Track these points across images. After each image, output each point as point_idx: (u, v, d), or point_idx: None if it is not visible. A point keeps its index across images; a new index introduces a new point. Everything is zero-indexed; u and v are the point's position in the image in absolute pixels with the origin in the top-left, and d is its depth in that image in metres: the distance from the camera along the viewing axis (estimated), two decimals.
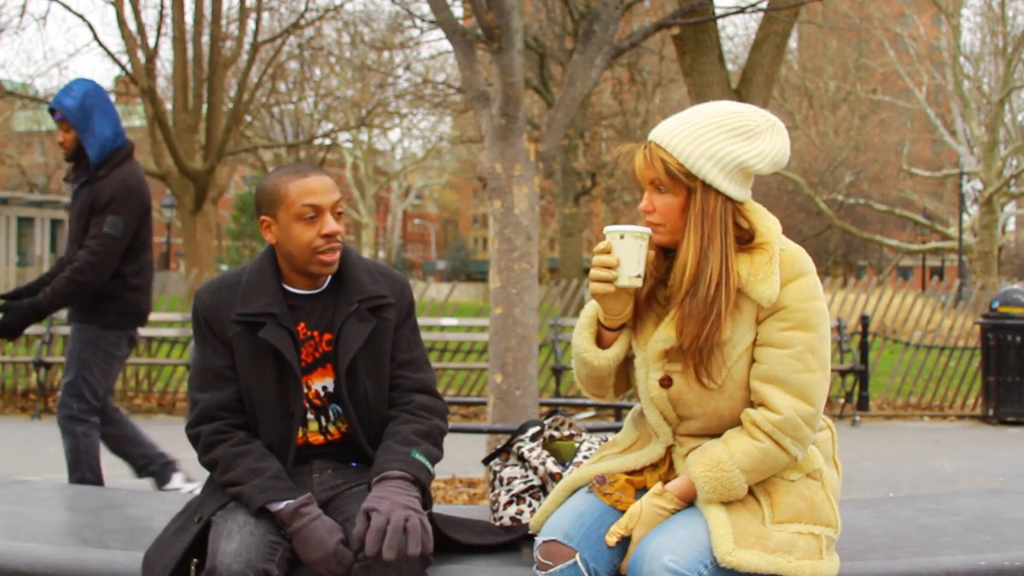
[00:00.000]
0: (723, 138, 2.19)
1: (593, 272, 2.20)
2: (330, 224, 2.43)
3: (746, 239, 2.23)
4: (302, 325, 2.48)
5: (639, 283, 2.20)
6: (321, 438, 2.53)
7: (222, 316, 2.45)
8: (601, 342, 2.34)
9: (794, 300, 2.18)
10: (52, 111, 4.24)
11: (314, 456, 2.52)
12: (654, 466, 2.32)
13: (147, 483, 4.75)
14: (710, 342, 2.17)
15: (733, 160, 2.19)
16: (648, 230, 2.19)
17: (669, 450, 2.31)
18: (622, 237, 2.17)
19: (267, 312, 2.43)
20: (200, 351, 2.49)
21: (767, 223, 2.25)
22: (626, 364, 2.38)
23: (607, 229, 2.20)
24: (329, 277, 2.53)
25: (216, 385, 2.45)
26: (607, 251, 2.19)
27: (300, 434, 2.50)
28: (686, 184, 2.20)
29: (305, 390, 2.48)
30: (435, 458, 2.43)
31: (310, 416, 2.51)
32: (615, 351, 2.31)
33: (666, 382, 2.24)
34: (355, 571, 2.21)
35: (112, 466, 6.71)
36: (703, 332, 2.16)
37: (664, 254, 2.31)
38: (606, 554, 2.18)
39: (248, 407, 2.46)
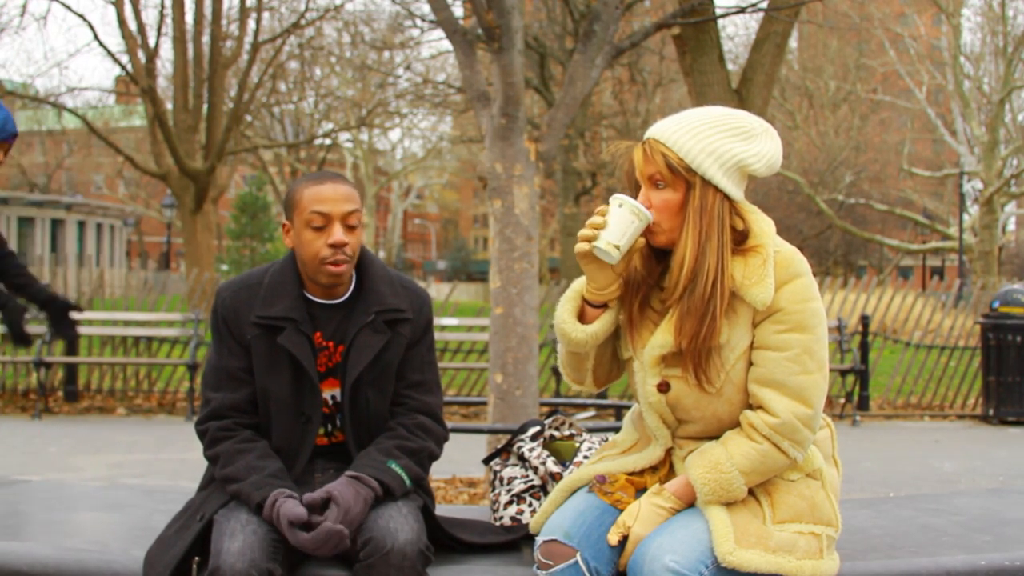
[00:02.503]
0: (722, 136, 2.20)
1: (581, 231, 2.21)
2: (336, 234, 2.39)
3: (741, 240, 2.23)
4: (319, 334, 2.47)
5: (616, 256, 2.17)
6: (325, 440, 2.54)
7: (241, 317, 2.45)
8: (583, 318, 2.33)
9: (789, 302, 2.18)
10: (14, 135, 4.18)
11: (317, 456, 2.53)
12: (654, 468, 2.32)
13: (148, 483, 4.75)
14: (708, 343, 2.16)
15: (732, 158, 2.20)
16: (649, 214, 2.18)
17: (669, 453, 2.31)
18: (620, 205, 2.17)
19: (286, 317, 2.42)
20: (216, 350, 2.49)
21: (762, 224, 2.25)
22: (609, 355, 2.37)
23: (615, 196, 2.20)
24: (351, 289, 2.52)
25: (230, 386, 2.45)
26: (602, 214, 2.20)
27: None
28: (686, 179, 2.20)
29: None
30: (414, 474, 2.42)
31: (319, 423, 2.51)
32: (594, 327, 2.28)
33: (664, 387, 2.23)
34: (356, 570, 2.23)
35: (113, 466, 6.73)
36: (701, 331, 2.16)
37: (658, 259, 2.30)
38: (607, 553, 2.18)
39: (263, 409, 2.46)
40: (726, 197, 2.21)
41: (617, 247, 2.16)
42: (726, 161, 2.20)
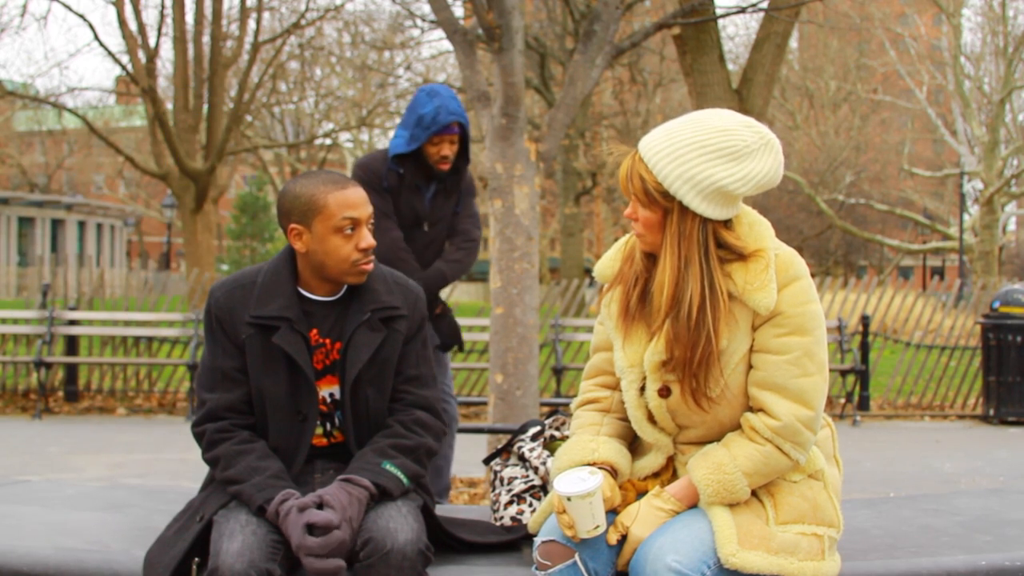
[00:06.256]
0: (705, 160, 2.13)
1: (562, 528, 2.15)
2: (367, 238, 2.44)
3: (737, 252, 2.18)
4: (315, 332, 2.47)
5: (604, 528, 2.14)
6: (324, 440, 2.54)
7: (235, 316, 2.45)
8: None
9: (789, 305, 2.16)
10: (448, 126, 3.97)
11: (317, 457, 2.53)
12: (655, 474, 2.31)
13: (149, 483, 4.75)
14: (705, 364, 2.15)
15: (712, 184, 2.13)
16: (596, 484, 2.10)
17: (671, 459, 2.30)
18: (569, 500, 2.10)
19: (281, 316, 2.42)
20: (210, 350, 2.49)
21: (758, 229, 2.22)
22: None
23: (556, 487, 2.12)
24: (346, 284, 2.53)
25: (224, 386, 2.45)
26: (561, 510, 2.13)
27: None
28: (663, 204, 2.17)
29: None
30: (412, 472, 2.42)
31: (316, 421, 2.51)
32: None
33: (664, 392, 2.22)
34: (356, 571, 2.23)
35: (113, 466, 6.72)
36: (695, 356, 2.14)
37: (654, 259, 2.27)
38: (605, 554, 2.17)
39: (258, 408, 2.46)
40: (709, 219, 2.17)
41: (597, 527, 2.13)
42: (705, 188, 2.13)
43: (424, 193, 4.13)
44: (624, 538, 2.17)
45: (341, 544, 2.19)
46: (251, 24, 19.53)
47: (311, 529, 2.18)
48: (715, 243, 2.18)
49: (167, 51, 34.02)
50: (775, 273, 2.17)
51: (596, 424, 2.34)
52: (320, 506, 2.23)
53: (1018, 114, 29.36)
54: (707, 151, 2.13)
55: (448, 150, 4.02)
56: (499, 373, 5.06)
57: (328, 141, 29.19)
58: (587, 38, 5.37)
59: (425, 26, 18.03)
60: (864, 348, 9.54)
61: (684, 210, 2.16)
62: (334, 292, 2.51)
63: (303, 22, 19.80)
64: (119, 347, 9.88)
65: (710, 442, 2.24)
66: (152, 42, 18.68)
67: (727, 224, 2.21)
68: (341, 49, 23.81)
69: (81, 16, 19.02)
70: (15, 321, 9.89)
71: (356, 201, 2.43)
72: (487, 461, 2.91)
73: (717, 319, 2.14)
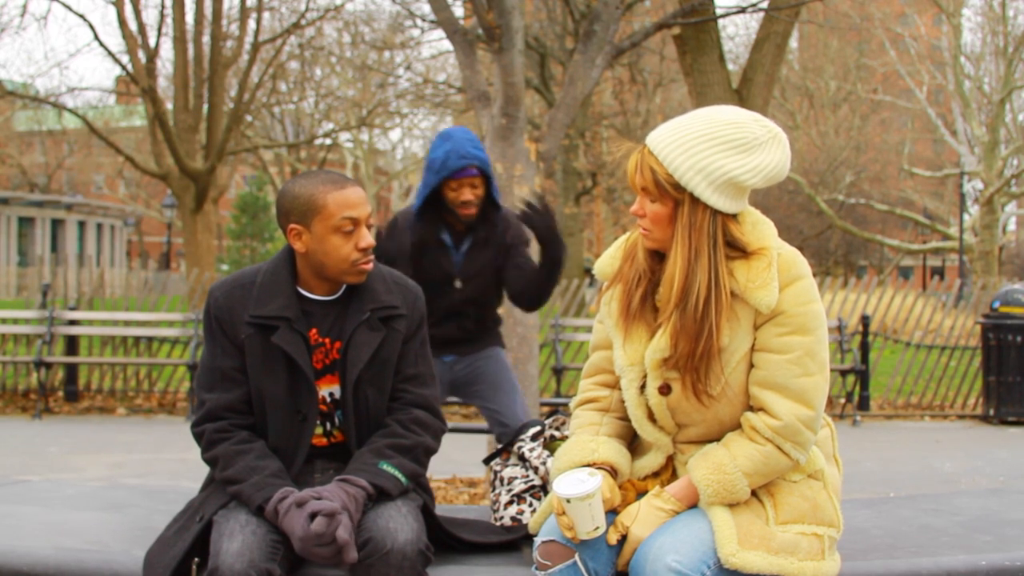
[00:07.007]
0: (715, 151, 2.15)
1: (562, 528, 2.15)
2: (367, 237, 2.44)
3: (741, 248, 2.20)
4: (314, 331, 2.47)
5: (603, 530, 2.14)
6: (324, 440, 2.54)
7: (234, 316, 2.45)
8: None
9: (791, 305, 2.17)
10: (461, 170, 3.64)
11: (316, 457, 2.53)
12: (655, 474, 2.31)
13: (148, 483, 4.74)
14: (706, 358, 2.15)
15: (723, 175, 2.15)
16: (595, 486, 2.09)
17: (670, 458, 2.30)
18: (568, 501, 2.10)
19: (280, 316, 2.42)
20: (210, 350, 2.48)
21: (762, 228, 2.23)
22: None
23: (555, 489, 2.12)
24: (344, 285, 2.53)
25: (223, 386, 2.45)
26: (560, 511, 2.13)
27: None
28: (673, 196, 2.17)
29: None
30: (410, 471, 2.41)
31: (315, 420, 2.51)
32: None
33: (665, 390, 2.22)
34: (356, 570, 2.22)
35: (113, 466, 6.72)
36: (697, 349, 2.14)
37: (659, 258, 2.29)
38: (605, 554, 2.17)
39: (258, 408, 2.46)
40: (719, 211, 2.18)
41: (597, 528, 2.13)
42: (716, 178, 2.14)
43: (452, 248, 3.81)
44: (624, 538, 2.17)
45: (346, 528, 2.17)
46: (251, 24, 19.53)
47: (313, 519, 2.18)
48: (723, 238, 2.19)
49: (167, 51, 34.05)
50: (777, 272, 2.17)
51: (595, 424, 2.33)
52: (318, 500, 2.23)
53: (1018, 114, 29.36)
54: (718, 142, 2.15)
55: (470, 194, 3.72)
56: None
57: (328, 141, 29.20)
58: (587, 38, 5.37)
59: (425, 26, 18.03)
60: (864, 348, 9.54)
61: (695, 202, 2.16)
62: (333, 291, 2.51)
63: (303, 22, 19.80)
64: (119, 347, 9.88)
65: (710, 441, 2.24)
66: (152, 42, 18.67)
67: (732, 221, 2.22)
68: (341, 49, 23.83)
69: (81, 16, 19.00)
70: (15, 321, 9.88)
71: (355, 201, 2.43)
72: (487, 461, 2.92)
73: (719, 314, 2.15)
